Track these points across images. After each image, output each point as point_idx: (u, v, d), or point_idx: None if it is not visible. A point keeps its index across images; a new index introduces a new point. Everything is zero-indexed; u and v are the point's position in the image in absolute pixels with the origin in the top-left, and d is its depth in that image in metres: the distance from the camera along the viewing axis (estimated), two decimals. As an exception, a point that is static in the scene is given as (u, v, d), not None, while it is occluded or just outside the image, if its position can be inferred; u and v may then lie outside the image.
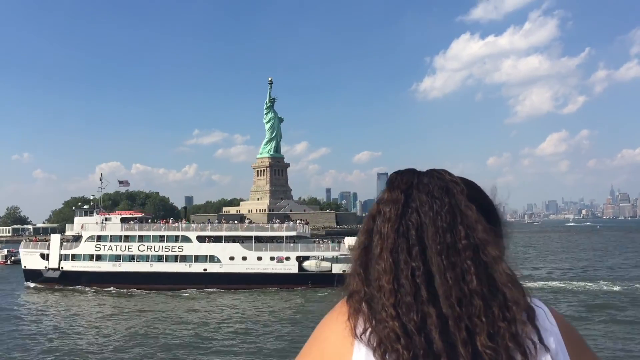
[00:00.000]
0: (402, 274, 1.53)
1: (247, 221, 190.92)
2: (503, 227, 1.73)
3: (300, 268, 48.45)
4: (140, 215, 63.12)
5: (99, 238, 54.61)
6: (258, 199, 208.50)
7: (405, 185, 1.66)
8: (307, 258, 48.68)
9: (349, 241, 49.79)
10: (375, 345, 1.51)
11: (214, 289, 47.39)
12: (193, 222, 67.34)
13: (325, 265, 47.96)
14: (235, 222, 68.06)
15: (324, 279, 45.15)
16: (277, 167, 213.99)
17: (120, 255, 52.74)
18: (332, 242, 50.64)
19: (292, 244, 50.07)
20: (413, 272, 1.52)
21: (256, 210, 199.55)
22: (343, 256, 47.02)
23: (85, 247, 54.67)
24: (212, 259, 49.96)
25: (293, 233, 51.63)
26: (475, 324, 1.46)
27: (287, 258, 48.61)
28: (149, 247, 51.55)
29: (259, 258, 49.15)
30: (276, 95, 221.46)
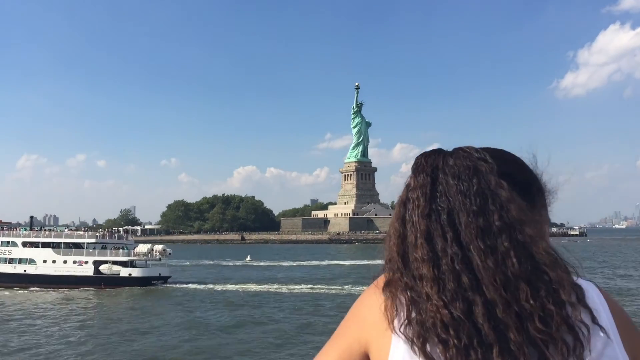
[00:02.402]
0: (442, 261, 1.46)
1: (329, 225, 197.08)
2: (547, 197, 1.65)
3: (96, 271, 55.49)
4: None
5: None
6: (345, 203, 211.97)
7: (430, 168, 1.58)
8: (102, 262, 55.79)
9: (142, 248, 58.35)
10: (416, 336, 1.44)
11: (35, 288, 54.82)
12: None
13: (116, 269, 55.07)
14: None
15: (115, 281, 53.72)
16: (364, 172, 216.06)
17: None
18: (124, 249, 58.25)
19: (91, 250, 57.86)
20: (452, 259, 1.45)
21: (341, 214, 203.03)
22: (133, 261, 55.82)
23: None
24: (31, 261, 58.41)
25: (92, 240, 59.07)
26: (524, 309, 1.37)
27: (86, 262, 56.15)
28: None
29: (65, 262, 56.95)
30: (363, 100, 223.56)
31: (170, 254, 61.74)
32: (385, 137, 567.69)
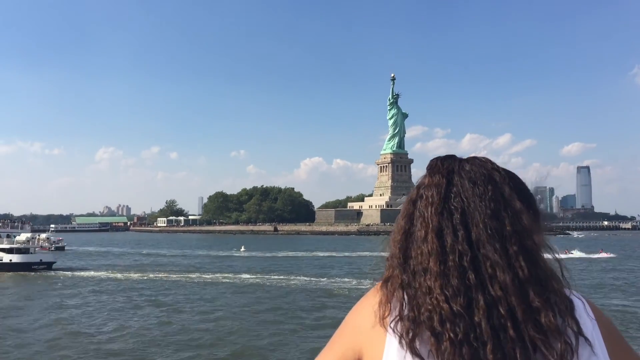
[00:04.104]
0: (449, 257, 1.52)
1: (362, 216, 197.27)
2: (541, 221, 1.71)
3: None
4: None
5: None
6: (380, 195, 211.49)
7: (446, 170, 1.65)
8: None
9: (22, 237, 61.63)
10: (405, 332, 1.50)
11: None
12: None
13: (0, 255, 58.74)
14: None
15: None
16: (400, 163, 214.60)
17: None
18: (8, 237, 61.31)
19: None
20: (460, 256, 1.51)
21: (375, 206, 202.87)
22: (15, 247, 59.26)
23: None
24: None
25: None
26: (523, 311, 1.45)
27: None
28: None
29: None
30: (399, 91, 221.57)
31: (55, 242, 66.97)
32: (454, 127, 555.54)
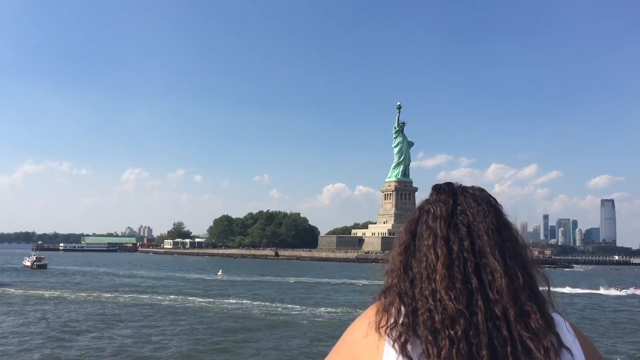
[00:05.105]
0: (455, 263, 1.71)
1: (364, 243, 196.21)
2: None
3: None
4: None
5: None
6: (384, 222, 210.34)
7: (451, 191, 1.90)
8: None
9: None
10: (398, 336, 1.65)
11: None
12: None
13: None
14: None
15: None
16: (404, 191, 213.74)
17: None
18: None
19: None
20: (465, 262, 1.71)
21: (377, 233, 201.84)
22: None
23: None
24: None
25: None
26: (515, 314, 1.65)
27: None
28: None
29: None
30: (405, 120, 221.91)
31: (36, 261, 75.66)
32: (480, 157, 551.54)
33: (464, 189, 1.92)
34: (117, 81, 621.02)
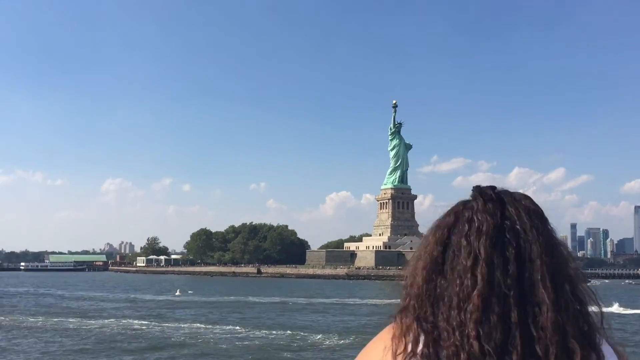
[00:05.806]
0: (494, 293, 1.42)
1: (356, 258, 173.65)
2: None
3: None
4: None
5: None
6: (380, 234, 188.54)
7: (499, 199, 1.56)
8: None
9: None
10: None
11: None
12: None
13: None
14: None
15: None
16: (401, 200, 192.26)
17: None
18: None
19: None
20: (507, 294, 1.43)
21: (371, 247, 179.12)
22: None
23: None
24: None
25: None
26: (558, 352, 1.40)
27: None
28: None
29: None
30: (402, 120, 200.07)
31: None
32: (501, 160, 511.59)
33: (513, 198, 1.57)
34: (96, 80, 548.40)
